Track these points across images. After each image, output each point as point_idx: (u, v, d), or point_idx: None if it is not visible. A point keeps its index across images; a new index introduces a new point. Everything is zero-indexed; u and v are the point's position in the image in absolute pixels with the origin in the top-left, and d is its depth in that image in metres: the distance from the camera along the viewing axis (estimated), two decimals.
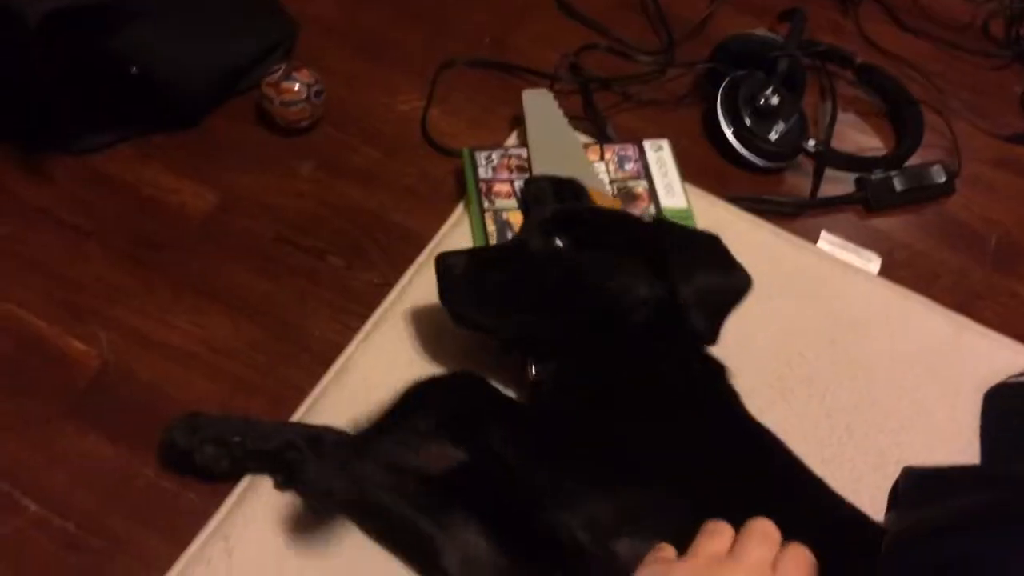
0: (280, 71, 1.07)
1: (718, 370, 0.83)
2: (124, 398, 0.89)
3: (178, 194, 1.04)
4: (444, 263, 0.85)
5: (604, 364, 0.80)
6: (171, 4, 1.01)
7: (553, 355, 0.83)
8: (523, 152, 1.06)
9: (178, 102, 1.06)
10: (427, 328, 0.94)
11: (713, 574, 0.52)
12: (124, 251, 0.99)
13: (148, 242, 0.99)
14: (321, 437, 0.82)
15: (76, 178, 1.04)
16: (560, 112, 1.12)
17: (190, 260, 0.99)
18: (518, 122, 1.12)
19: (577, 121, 1.15)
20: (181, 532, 0.80)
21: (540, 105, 1.12)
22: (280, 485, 0.82)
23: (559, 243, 0.85)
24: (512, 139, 1.12)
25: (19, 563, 0.79)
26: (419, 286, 0.97)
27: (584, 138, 1.12)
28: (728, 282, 0.84)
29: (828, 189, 1.14)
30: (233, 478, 0.83)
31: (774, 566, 0.53)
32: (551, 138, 1.09)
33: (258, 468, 0.82)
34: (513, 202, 1.01)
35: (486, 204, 1.01)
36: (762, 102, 1.12)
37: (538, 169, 1.04)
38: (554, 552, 0.68)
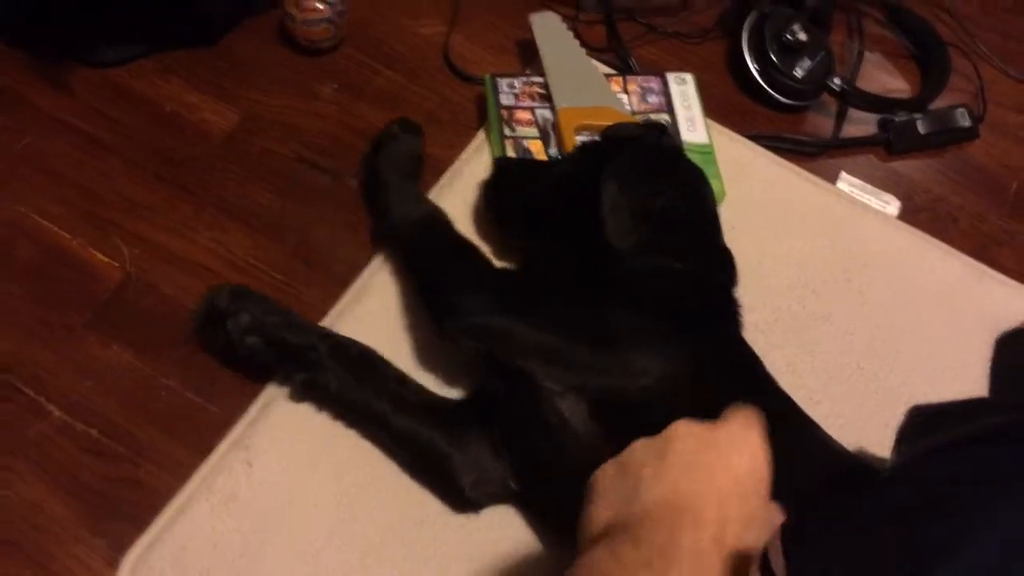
0: None
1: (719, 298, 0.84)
2: (146, 310, 0.90)
3: (199, 111, 1.04)
4: (499, 163, 0.97)
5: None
6: None
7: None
8: (542, 79, 1.05)
9: (198, 17, 1.05)
10: None
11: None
12: (145, 166, 0.99)
13: (169, 158, 1.00)
14: (346, 346, 0.83)
15: (97, 91, 1.03)
16: (571, 35, 1.11)
17: (211, 177, 0.99)
18: (534, 48, 1.11)
19: (600, 53, 1.14)
20: (203, 442, 0.82)
21: (550, 28, 1.10)
22: (298, 393, 0.83)
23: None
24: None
25: (44, 465, 0.81)
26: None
27: (606, 69, 1.11)
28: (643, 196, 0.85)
29: (851, 130, 1.13)
30: (254, 363, 0.83)
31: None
32: (567, 63, 1.07)
33: (280, 360, 0.83)
34: (534, 130, 1.01)
35: (507, 131, 1.00)
36: (789, 37, 1.11)
37: (559, 97, 1.03)
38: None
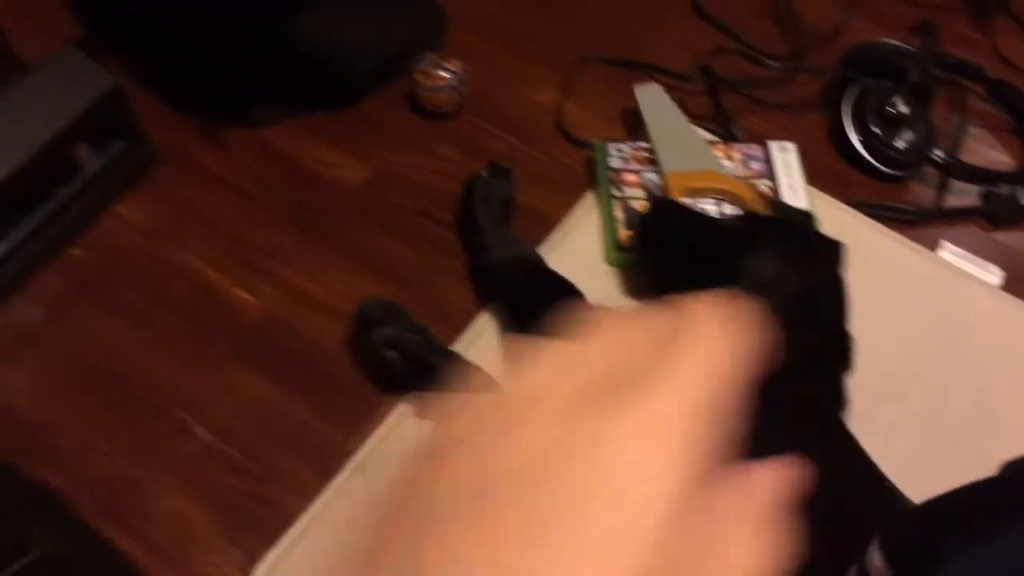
0: (430, 59, 1.16)
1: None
2: (282, 345, 0.99)
3: (335, 167, 1.14)
4: (660, 200, 1.02)
5: None
6: None
7: None
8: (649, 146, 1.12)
9: (341, 83, 1.17)
10: None
11: None
12: (286, 215, 1.09)
13: (308, 208, 1.10)
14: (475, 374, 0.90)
15: (248, 149, 1.15)
16: (674, 104, 1.17)
17: (345, 227, 1.09)
18: (639, 117, 1.18)
19: (704, 121, 1.21)
20: (328, 466, 0.90)
21: (654, 98, 1.17)
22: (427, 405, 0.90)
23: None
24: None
25: (190, 480, 0.90)
26: (548, 262, 1.05)
27: (710, 136, 1.17)
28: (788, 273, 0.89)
29: (952, 201, 1.16)
30: (391, 375, 0.91)
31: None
32: (671, 130, 1.14)
33: (415, 376, 0.90)
34: (641, 192, 1.08)
35: (615, 192, 1.07)
36: (890, 110, 1.15)
37: (665, 162, 1.10)
38: None
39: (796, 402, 0.83)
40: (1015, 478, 0.57)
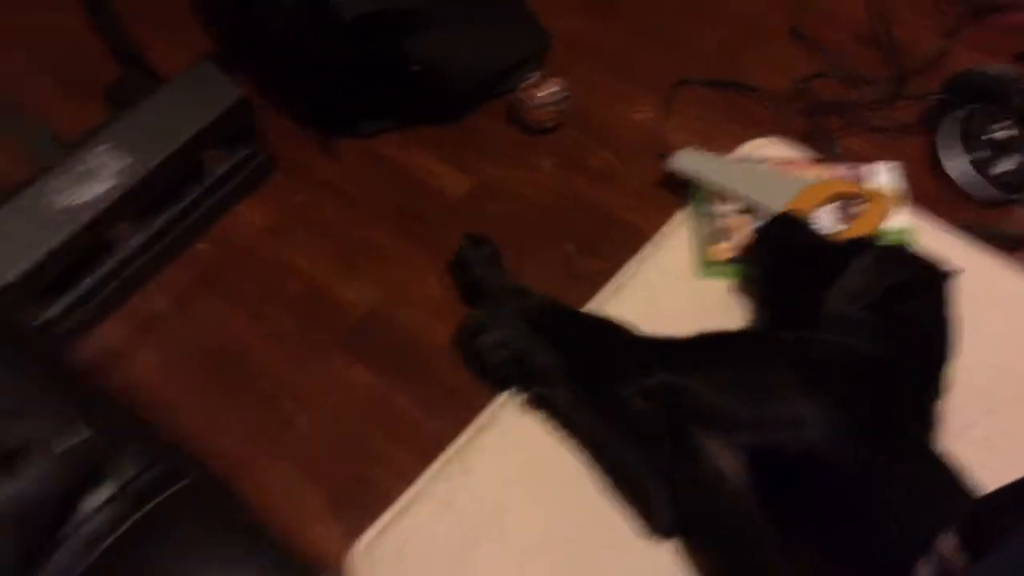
0: (535, 77, 1.22)
1: None
2: (385, 339, 1.05)
3: (439, 177, 1.20)
4: (784, 216, 1.03)
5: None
6: (451, 15, 1.18)
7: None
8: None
9: (448, 99, 1.23)
10: (643, 315, 1.02)
11: None
12: (392, 221, 1.16)
13: (412, 215, 1.16)
14: (580, 372, 0.92)
15: (357, 157, 1.22)
16: (712, 155, 1.15)
17: (445, 233, 1.14)
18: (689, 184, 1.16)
19: (801, 143, 1.22)
20: (426, 452, 0.94)
21: (694, 161, 1.15)
22: (532, 402, 0.93)
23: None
24: (741, 151, 1.20)
25: (300, 460, 0.97)
26: (641, 278, 1.07)
27: (812, 154, 1.18)
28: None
29: None
30: (495, 375, 0.95)
31: None
32: (738, 176, 1.12)
33: (522, 375, 0.94)
34: (731, 208, 1.09)
35: (707, 208, 1.10)
36: (993, 135, 1.15)
37: (769, 202, 1.09)
38: None
39: (875, 410, 0.84)
40: None
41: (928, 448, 0.83)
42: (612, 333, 0.94)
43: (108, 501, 0.50)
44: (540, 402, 0.93)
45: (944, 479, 0.81)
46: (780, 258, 0.99)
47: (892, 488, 0.78)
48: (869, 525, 0.74)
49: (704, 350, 0.89)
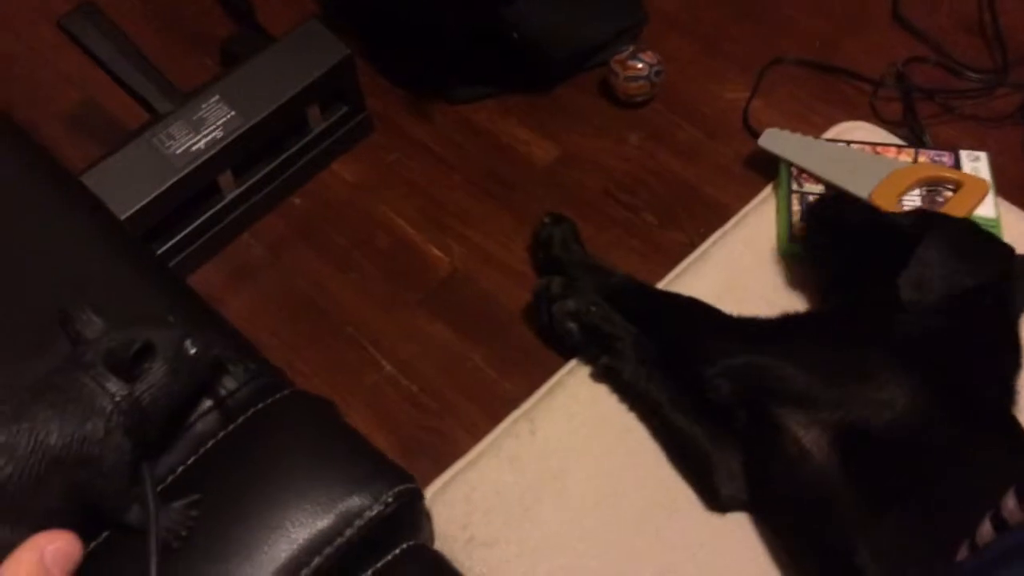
0: (629, 51, 1.23)
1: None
2: (466, 299, 1.09)
3: (528, 145, 1.23)
4: (831, 200, 1.02)
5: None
6: None
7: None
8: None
9: (543, 68, 1.25)
10: (721, 288, 1.05)
11: None
12: (480, 184, 1.19)
13: (500, 180, 1.20)
14: (646, 345, 0.94)
15: (450, 121, 1.26)
16: (800, 135, 1.14)
17: (531, 199, 1.17)
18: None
19: (894, 127, 1.21)
20: (496, 410, 0.98)
21: (784, 141, 1.14)
22: (599, 370, 0.96)
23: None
24: (830, 133, 1.19)
25: (374, 407, 1.01)
26: (721, 251, 1.08)
27: (897, 141, 1.17)
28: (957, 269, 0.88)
29: None
30: (565, 344, 0.97)
31: None
32: (828, 159, 1.12)
33: (589, 344, 0.96)
34: (819, 187, 1.10)
35: (794, 186, 1.10)
36: None
37: (856, 188, 1.08)
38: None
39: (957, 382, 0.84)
40: None
41: (1008, 414, 0.83)
42: (694, 313, 0.95)
43: (216, 405, 0.56)
44: (607, 373, 0.95)
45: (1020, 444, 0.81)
46: (837, 239, 0.98)
47: (972, 456, 0.79)
48: (948, 492, 0.75)
49: (788, 331, 0.91)
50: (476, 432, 0.97)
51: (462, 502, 0.91)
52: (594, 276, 1.02)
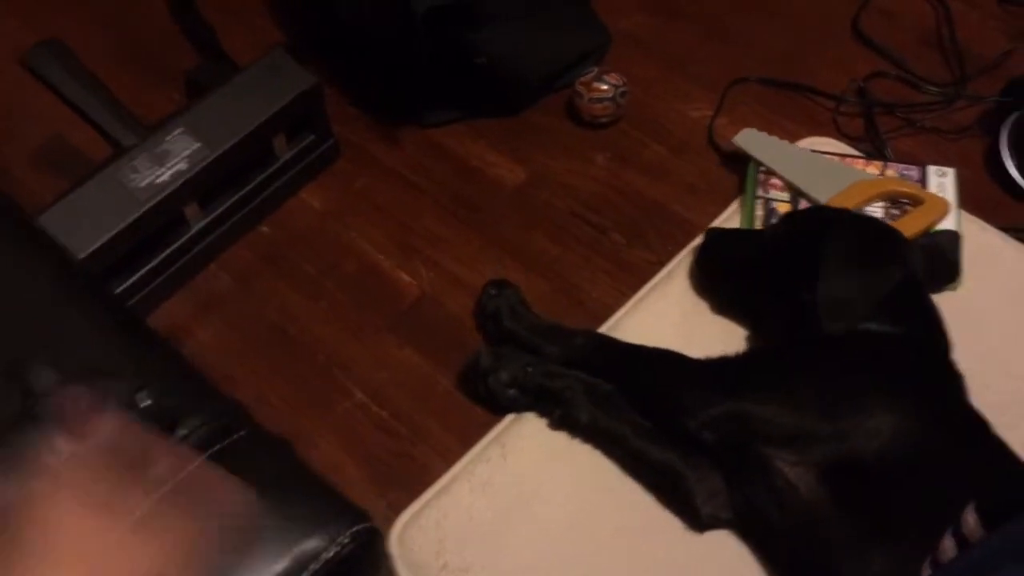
0: (593, 72, 1.24)
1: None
2: (435, 323, 1.09)
3: (496, 167, 1.24)
4: (709, 233, 1.03)
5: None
6: (517, 10, 1.20)
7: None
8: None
9: (510, 92, 1.26)
10: (689, 306, 1.05)
11: None
12: (448, 208, 1.20)
13: (468, 203, 1.20)
14: (596, 386, 0.95)
15: (418, 146, 1.26)
16: (776, 139, 1.17)
17: (499, 222, 1.18)
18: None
19: (856, 142, 1.22)
20: (468, 434, 0.98)
21: (758, 141, 1.17)
22: (555, 423, 0.95)
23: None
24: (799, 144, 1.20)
25: (345, 435, 1.01)
26: (688, 269, 1.09)
27: (858, 154, 1.18)
28: (869, 282, 0.89)
29: None
30: (511, 411, 0.97)
31: None
32: (795, 163, 1.14)
33: (536, 403, 0.96)
34: (785, 195, 1.11)
35: (760, 192, 1.11)
36: None
37: (816, 193, 1.11)
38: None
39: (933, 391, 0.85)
40: None
41: (982, 423, 0.84)
42: (666, 364, 0.94)
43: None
44: (564, 423, 0.94)
45: (994, 455, 0.82)
46: (730, 272, 1.00)
47: (951, 469, 0.80)
48: (929, 511, 0.75)
49: (763, 370, 0.90)
50: (449, 457, 0.97)
51: (434, 529, 0.91)
52: (554, 340, 0.98)
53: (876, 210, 1.08)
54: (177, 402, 0.55)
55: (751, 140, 1.17)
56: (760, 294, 0.97)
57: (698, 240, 1.12)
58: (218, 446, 0.55)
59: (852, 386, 0.84)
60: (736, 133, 1.25)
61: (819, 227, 0.93)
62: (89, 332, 0.61)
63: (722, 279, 1.02)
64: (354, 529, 0.53)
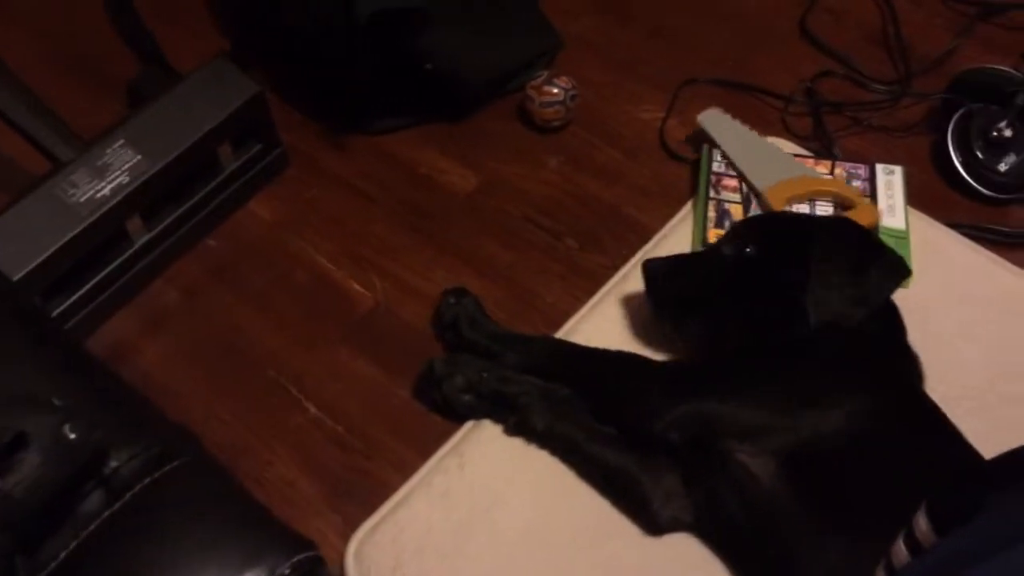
0: (543, 76, 1.23)
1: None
2: (389, 333, 1.07)
3: (447, 174, 1.22)
4: (649, 267, 0.99)
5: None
6: (463, 15, 1.20)
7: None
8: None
9: (458, 97, 1.25)
10: (644, 308, 1.05)
11: None
12: (400, 216, 1.18)
13: (420, 211, 1.18)
14: (551, 391, 0.94)
15: (367, 153, 1.24)
16: (739, 123, 1.20)
17: (452, 229, 1.16)
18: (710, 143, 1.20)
19: (806, 141, 1.23)
20: (425, 445, 0.96)
21: (720, 123, 1.20)
22: (510, 429, 0.95)
23: (748, 250, 0.94)
24: None
25: (299, 451, 0.99)
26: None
27: (805, 152, 1.20)
28: (859, 292, 0.89)
29: None
30: (468, 417, 0.96)
31: None
32: (748, 149, 1.17)
33: (492, 409, 0.95)
34: (737, 196, 1.11)
35: (712, 194, 1.12)
36: (995, 134, 1.15)
37: (757, 180, 1.12)
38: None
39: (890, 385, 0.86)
40: None
41: (941, 417, 0.85)
42: (626, 367, 0.94)
43: (98, 485, 0.53)
44: (519, 429, 0.94)
45: (951, 450, 0.83)
46: (686, 300, 0.97)
47: (907, 462, 0.80)
48: (887, 499, 0.75)
49: (724, 368, 0.90)
50: (406, 470, 0.96)
51: (391, 544, 0.89)
52: (513, 347, 0.98)
53: (804, 207, 1.11)
54: (108, 433, 0.52)
55: (713, 121, 1.20)
56: (728, 315, 0.95)
57: (656, 240, 1.12)
58: (149, 478, 0.53)
59: (813, 380, 0.85)
60: (687, 134, 1.26)
61: (799, 239, 0.91)
62: (14, 362, 0.59)
63: (682, 309, 0.98)
64: (295, 559, 0.52)
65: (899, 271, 0.92)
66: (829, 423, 0.81)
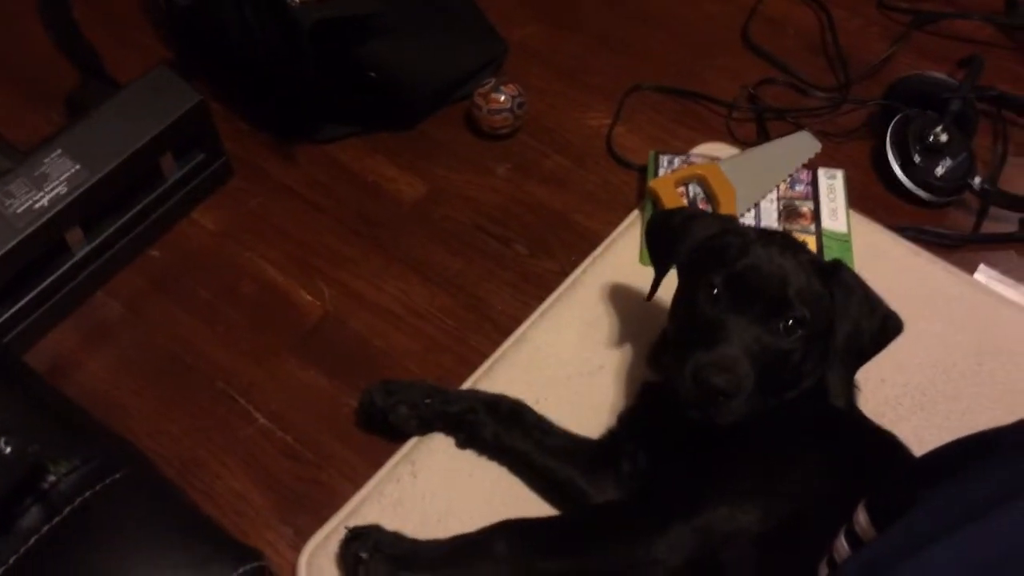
0: (490, 84, 1.24)
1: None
2: (338, 343, 1.06)
3: (395, 182, 1.22)
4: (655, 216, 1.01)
5: None
6: (407, 23, 1.20)
7: None
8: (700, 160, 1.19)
9: (405, 105, 1.25)
10: (594, 313, 1.06)
11: None
12: (348, 225, 1.17)
13: (368, 219, 1.18)
14: (498, 403, 0.94)
15: (314, 162, 1.23)
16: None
17: (400, 237, 1.16)
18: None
19: (749, 147, 1.25)
20: (376, 455, 0.96)
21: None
22: (461, 444, 0.95)
23: None
24: (696, 150, 1.23)
25: (248, 462, 0.97)
26: (592, 277, 1.10)
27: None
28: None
29: (991, 227, 1.18)
30: (417, 435, 0.96)
31: None
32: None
33: (442, 428, 0.95)
34: (684, 201, 1.13)
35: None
36: (931, 139, 1.18)
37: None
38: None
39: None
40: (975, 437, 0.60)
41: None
42: (591, 522, 0.85)
43: (36, 500, 0.52)
44: (468, 442, 0.95)
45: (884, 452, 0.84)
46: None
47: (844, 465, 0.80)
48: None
49: (692, 476, 0.83)
50: (357, 479, 0.95)
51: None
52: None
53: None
54: (45, 447, 0.51)
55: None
56: None
57: (604, 246, 1.13)
58: (90, 491, 0.51)
59: (788, 458, 0.81)
60: (633, 141, 1.27)
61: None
62: None
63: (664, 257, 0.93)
64: (241, 570, 0.51)
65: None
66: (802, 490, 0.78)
